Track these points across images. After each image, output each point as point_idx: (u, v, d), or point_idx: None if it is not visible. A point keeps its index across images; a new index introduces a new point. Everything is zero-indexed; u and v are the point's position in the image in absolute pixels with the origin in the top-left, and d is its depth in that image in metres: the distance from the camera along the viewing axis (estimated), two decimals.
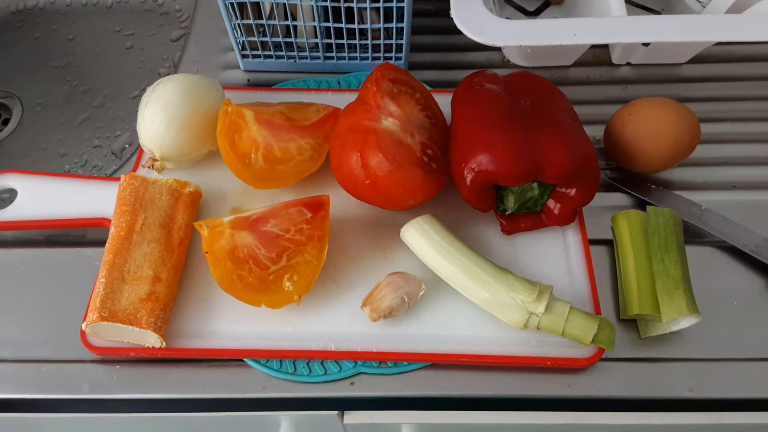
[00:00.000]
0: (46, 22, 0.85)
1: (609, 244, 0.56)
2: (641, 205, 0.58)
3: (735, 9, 0.61)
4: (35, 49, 0.84)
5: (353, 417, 0.54)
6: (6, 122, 0.78)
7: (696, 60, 0.68)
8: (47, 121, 0.77)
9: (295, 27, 0.63)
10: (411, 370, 0.50)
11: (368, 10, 0.59)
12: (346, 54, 0.65)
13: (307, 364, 0.50)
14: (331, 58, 0.66)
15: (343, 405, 0.51)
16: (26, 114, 0.78)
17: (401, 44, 0.64)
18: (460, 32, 0.57)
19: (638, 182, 0.59)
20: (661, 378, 0.49)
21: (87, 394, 0.49)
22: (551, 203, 0.53)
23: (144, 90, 0.78)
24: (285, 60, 0.67)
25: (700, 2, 0.66)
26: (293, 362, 0.50)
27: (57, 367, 0.50)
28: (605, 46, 0.69)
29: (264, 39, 0.64)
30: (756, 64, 0.68)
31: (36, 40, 0.84)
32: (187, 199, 0.54)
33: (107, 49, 0.83)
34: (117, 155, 0.74)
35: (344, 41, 0.64)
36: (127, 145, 0.74)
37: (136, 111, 0.57)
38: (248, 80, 0.68)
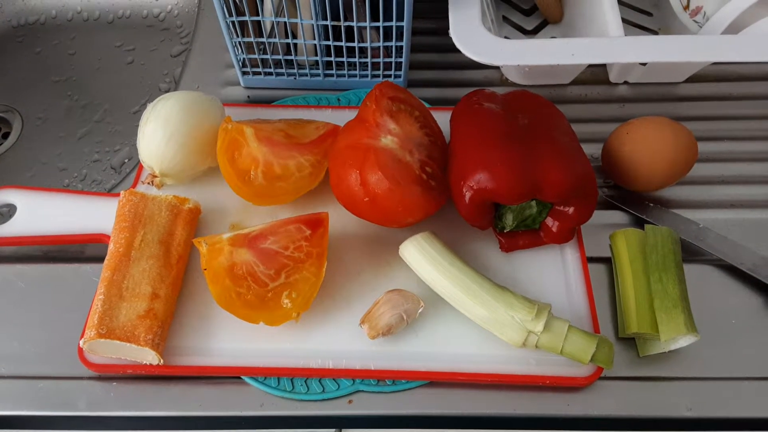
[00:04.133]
0: (47, 37, 0.86)
1: (607, 262, 0.56)
2: (639, 224, 0.58)
3: (731, 30, 0.62)
4: (36, 63, 0.84)
5: None
6: (6, 136, 0.78)
7: (693, 79, 0.68)
8: (47, 135, 0.78)
9: (295, 45, 0.63)
10: (409, 388, 0.49)
11: (368, 28, 0.60)
12: (345, 72, 0.66)
13: (305, 381, 0.49)
14: (331, 75, 0.67)
15: (341, 423, 0.50)
16: (26, 128, 0.79)
17: (401, 62, 0.64)
18: (458, 50, 0.57)
19: (636, 200, 0.59)
20: (659, 397, 0.49)
21: (84, 411, 0.49)
22: (549, 221, 0.53)
23: (144, 105, 0.79)
24: (285, 77, 0.67)
25: (697, 23, 0.67)
26: (291, 380, 0.49)
27: (54, 384, 0.50)
28: (603, 65, 0.70)
29: (264, 56, 0.65)
30: (753, 83, 0.68)
31: (37, 55, 0.85)
32: (187, 216, 0.55)
33: (108, 64, 0.83)
34: (116, 170, 0.74)
35: (344, 59, 0.64)
36: (126, 160, 0.75)
37: (136, 126, 0.58)
38: (248, 97, 0.69)
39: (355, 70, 0.66)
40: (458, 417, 0.49)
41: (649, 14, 0.74)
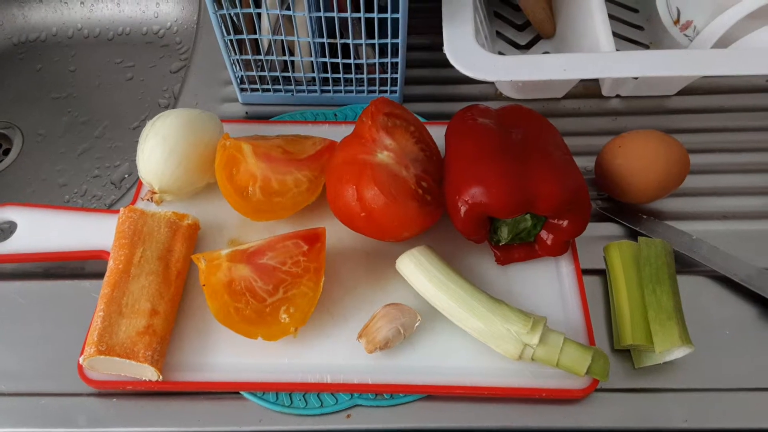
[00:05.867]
0: (47, 54, 0.87)
1: (602, 273, 0.57)
2: (633, 235, 0.58)
3: (721, 43, 0.63)
4: (36, 80, 0.85)
5: None
6: (7, 152, 0.79)
7: (684, 92, 0.69)
8: (47, 151, 0.78)
9: (292, 62, 0.64)
10: (407, 402, 0.50)
11: (364, 45, 0.61)
12: (342, 87, 0.67)
13: (304, 396, 0.50)
14: (328, 91, 0.68)
15: None
16: (27, 144, 0.79)
17: (396, 78, 0.65)
18: (453, 66, 0.58)
19: (629, 213, 0.60)
20: (655, 408, 0.50)
21: (84, 428, 0.49)
22: (544, 234, 0.54)
23: (144, 121, 0.80)
24: (282, 93, 0.68)
25: (687, 37, 0.68)
26: (289, 395, 0.50)
27: (54, 401, 0.50)
28: (595, 79, 0.71)
29: (262, 73, 0.66)
30: (742, 95, 0.69)
31: (37, 72, 0.86)
32: (186, 232, 0.55)
33: (108, 81, 0.84)
34: (116, 185, 0.75)
35: (340, 75, 0.65)
36: (126, 175, 0.75)
37: (136, 141, 0.58)
38: (246, 113, 0.70)
39: (352, 86, 0.67)
40: (456, 430, 0.49)
41: (640, 29, 0.75)
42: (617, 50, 0.60)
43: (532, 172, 0.50)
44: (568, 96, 0.70)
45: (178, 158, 0.56)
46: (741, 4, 0.61)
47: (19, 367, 0.52)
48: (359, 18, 0.57)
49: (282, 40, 0.61)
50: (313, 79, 0.66)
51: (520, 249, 0.56)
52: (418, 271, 0.51)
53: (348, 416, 0.49)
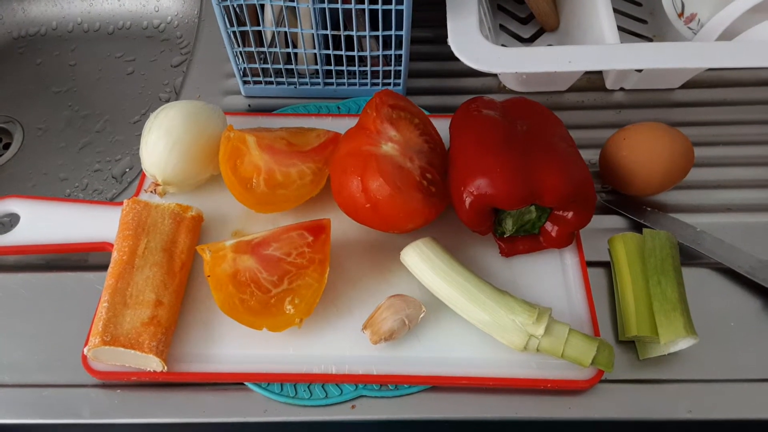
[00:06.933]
0: (47, 49, 0.87)
1: (606, 266, 0.56)
2: (637, 228, 0.58)
3: (725, 36, 0.63)
4: (37, 74, 0.85)
5: None
6: (7, 147, 0.79)
7: (688, 85, 0.69)
8: (48, 145, 0.78)
9: (295, 54, 0.64)
10: (412, 393, 0.50)
11: (367, 38, 0.60)
12: (345, 80, 0.67)
13: (308, 387, 0.50)
14: (331, 84, 0.67)
15: (344, 428, 0.51)
16: (27, 139, 0.79)
17: (400, 71, 0.65)
18: (457, 59, 0.58)
19: (634, 205, 0.60)
20: (659, 399, 0.50)
21: (88, 419, 0.49)
22: (549, 226, 0.54)
23: (145, 115, 0.79)
24: (285, 86, 0.68)
25: (691, 29, 0.68)
26: (294, 385, 0.50)
27: (57, 392, 0.50)
28: (599, 72, 0.71)
29: (265, 66, 0.65)
30: (747, 88, 0.69)
31: (38, 66, 0.86)
32: (189, 223, 0.55)
33: (108, 75, 0.84)
34: (117, 179, 0.74)
35: (344, 68, 0.65)
36: (127, 170, 0.75)
37: (137, 135, 0.58)
38: (249, 105, 0.69)
39: (355, 78, 0.67)
40: (460, 421, 0.49)
41: (644, 22, 0.75)
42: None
43: (537, 163, 0.50)
44: (571, 89, 0.69)
45: (181, 150, 0.56)
46: None
47: (23, 358, 0.52)
48: (363, 9, 0.57)
49: (285, 32, 0.61)
50: (317, 71, 0.66)
51: (525, 241, 0.55)
52: (422, 263, 0.51)
53: (353, 407, 0.49)
